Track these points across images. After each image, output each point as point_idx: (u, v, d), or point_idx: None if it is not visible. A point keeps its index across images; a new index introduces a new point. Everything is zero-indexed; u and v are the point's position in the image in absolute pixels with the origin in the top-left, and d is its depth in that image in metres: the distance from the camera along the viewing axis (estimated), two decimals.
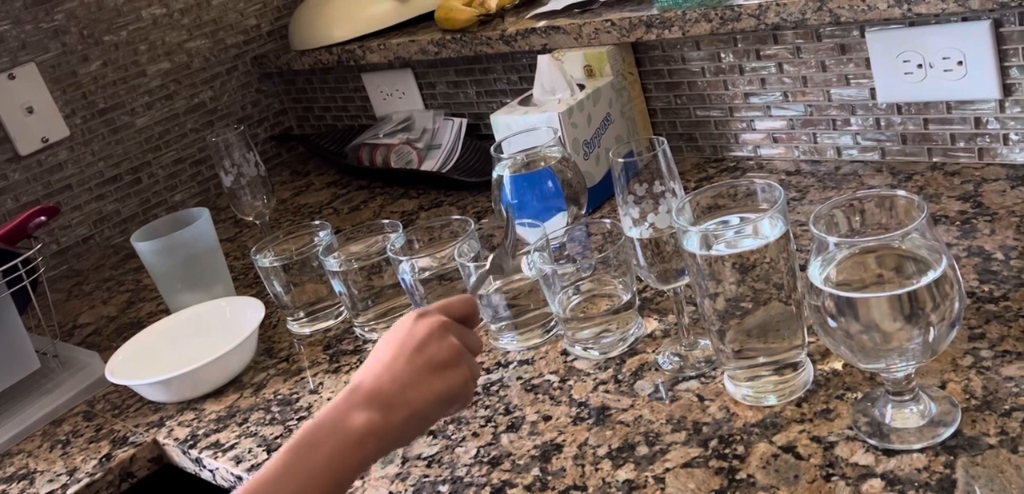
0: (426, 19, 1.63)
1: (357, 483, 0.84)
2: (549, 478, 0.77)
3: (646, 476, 0.74)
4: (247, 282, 1.36)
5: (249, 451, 0.95)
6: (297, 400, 1.01)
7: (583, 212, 1.08)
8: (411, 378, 0.71)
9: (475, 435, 0.86)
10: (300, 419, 0.98)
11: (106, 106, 1.71)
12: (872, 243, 0.67)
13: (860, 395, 0.75)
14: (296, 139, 1.93)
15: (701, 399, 0.81)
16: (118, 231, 1.73)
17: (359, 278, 1.08)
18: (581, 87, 1.24)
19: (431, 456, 0.85)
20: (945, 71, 1.04)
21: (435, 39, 1.49)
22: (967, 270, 0.87)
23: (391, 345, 0.73)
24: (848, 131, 1.16)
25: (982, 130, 1.05)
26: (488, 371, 0.95)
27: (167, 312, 1.27)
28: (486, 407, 0.89)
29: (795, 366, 0.77)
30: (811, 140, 1.20)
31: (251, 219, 1.42)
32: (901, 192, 0.68)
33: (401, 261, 1.03)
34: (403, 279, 1.04)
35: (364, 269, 1.08)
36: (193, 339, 1.14)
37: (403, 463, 0.85)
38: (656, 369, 0.87)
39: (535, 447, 0.81)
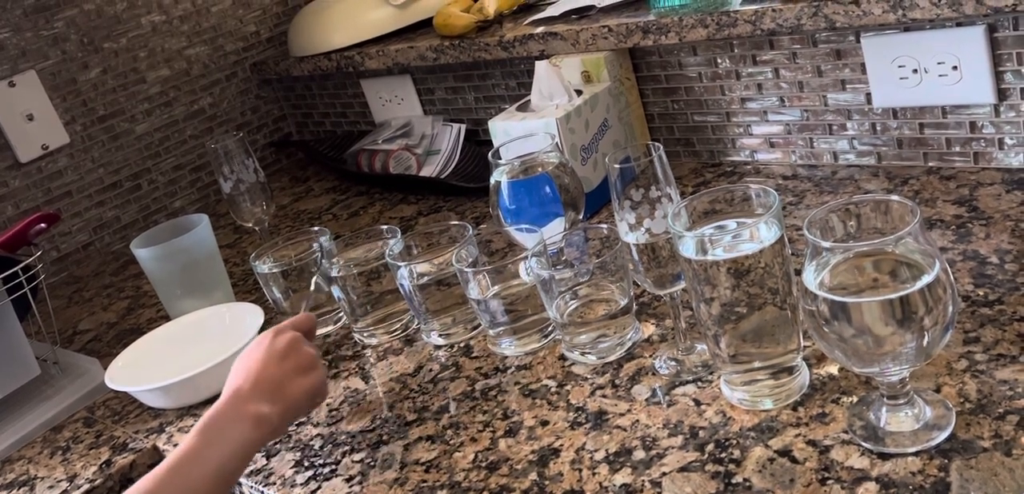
0: (425, 25, 1.64)
1: (356, 487, 0.85)
2: (547, 483, 0.78)
3: (643, 480, 0.74)
4: (247, 288, 1.37)
5: None
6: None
7: (580, 217, 1.09)
8: (282, 379, 0.84)
9: (473, 440, 0.86)
10: (299, 425, 0.98)
11: (106, 113, 1.71)
12: (866, 248, 0.67)
13: (855, 399, 0.75)
14: (295, 145, 1.94)
15: (697, 403, 0.81)
16: (118, 238, 1.73)
17: (358, 284, 1.08)
18: (579, 93, 1.25)
19: (429, 461, 0.85)
20: (940, 76, 1.04)
21: (434, 45, 1.50)
22: (962, 274, 0.88)
23: (258, 355, 0.86)
24: (844, 136, 1.16)
25: (977, 134, 1.06)
26: (486, 376, 0.96)
27: (167, 318, 1.27)
28: (484, 412, 0.90)
29: (791, 370, 0.78)
30: (807, 145, 1.20)
31: (250, 225, 1.42)
32: (895, 197, 0.69)
33: (400, 267, 1.04)
34: (401, 285, 1.05)
35: (363, 275, 1.08)
36: (193, 345, 1.15)
37: (401, 468, 0.86)
38: (653, 374, 0.87)
39: (533, 452, 0.82)
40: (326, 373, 0.91)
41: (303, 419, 0.99)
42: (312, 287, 1.10)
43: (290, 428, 0.98)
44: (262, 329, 1.13)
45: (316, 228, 1.22)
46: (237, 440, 0.80)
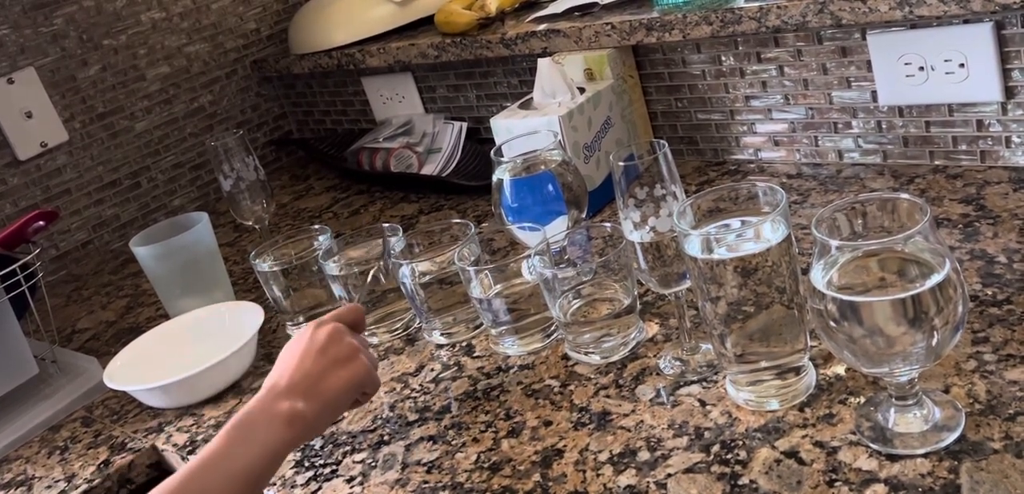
0: (426, 23, 1.63)
1: (357, 488, 0.84)
2: (550, 484, 0.77)
3: (648, 482, 0.73)
4: (246, 287, 1.36)
5: None
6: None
7: (583, 216, 1.08)
8: (321, 373, 0.81)
9: (475, 440, 0.85)
10: None
11: (105, 110, 1.70)
12: (875, 246, 0.66)
13: (863, 399, 0.74)
14: (295, 143, 1.93)
15: (703, 404, 0.80)
16: (117, 236, 1.72)
17: (359, 282, 1.07)
18: (581, 90, 1.24)
19: (431, 462, 0.84)
20: (947, 74, 1.03)
21: (435, 43, 1.49)
22: (970, 273, 0.87)
23: (297, 351, 0.82)
24: (850, 134, 1.15)
25: (984, 133, 1.05)
26: (488, 376, 0.95)
27: (166, 317, 1.26)
28: (486, 412, 0.89)
29: (797, 370, 0.77)
30: (812, 143, 1.19)
31: (250, 224, 1.42)
32: (904, 195, 0.68)
33: (401, 265, 1.03)
34: (403, 283, 1.04)
35: (364, 273, 1.07)
36: (192, 344, 1.14)
37: (403, 468, 0.85)
38: (657, 374, 0.87)
39: (536, 453, 0.81)
40: (374, 360, 0.85)
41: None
42: (369, 278, 1.04)
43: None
44: (262, 328, 1.13)
45: (317, 226, 1.21)
46: (267, 441, 0.76)
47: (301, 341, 0.83)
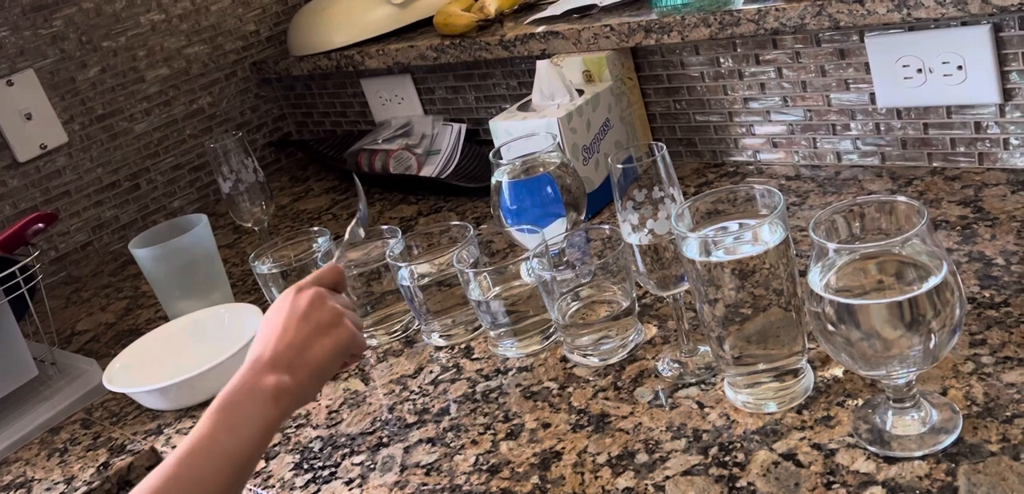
0: (425, 24, 1.63)
1: (356, 490, 0.84)
2: (548, 486, 0.77)
3: (646, 484, 0.73)
4: (246, 289, 1.36)
5: None
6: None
7: (582, 218, 1.08)
8: (305, 341, 0.79)
9: (474, 442, 0.85)
10: (298, 426, 0.97)
11: (104, 112, 1.70)
12: (872, 249, 0.66)
13: (861, 402, 0.75)
14: (295, 145, 1.93)
15: (701, 406, 0.80)
16: (116, 237, 1.72)
17: (358, 284, 1.07)
18: (580, 92, 1.24)
19: (429, 464, 0.85)
20: (945, 76, 1.03)
21: (434, 45, 1.49)
22: (968, 275, 0.87)
23: (278, 319, 0.80)
24: (848, 136, 1.16)
25: (982, 135, 1.05)
26: (487, 378, 0.95)
27: (165, 319, 1.26)
28: (485, 414, 0.89)
29: (795, 373, 0.77)
30: (811, 145, 1.20)
31: (250, 225, 1.42)
32: (901, 198, 0.68)
33: (400, 267, 1.03)
34: (402, 285, 1.04)
35: (363, 275, 1.07)
36: (192, 346, 1.14)
37: (401, 471, 0.85)
38: (656, 376, 0.87)
39: (534, 455, 0.81)
40: (358, 322, 0.83)
41: (303, 421, 0.98)
42: (346, 236, 1.00)
43: (289, 430, 0.97)
44: None
45: (316, 228, 1.21)
46: (256, 421, 0.73)
47: (282, 308, 0.81)
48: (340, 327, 0.81)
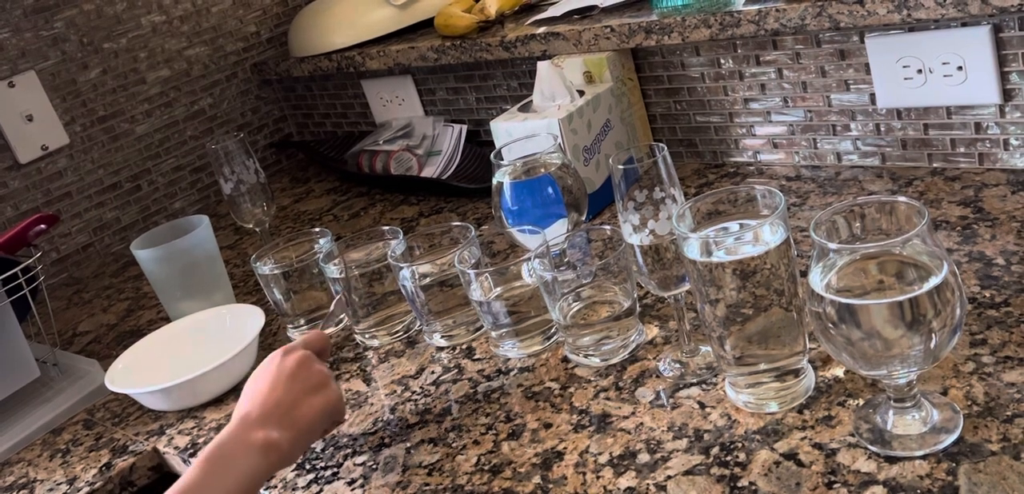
0: (426, 26, 1.63)
1: (359, 491, 0.84)
2: (550, 486, 0.77)
3: (647, 484, 0.74)
4: (247, 290, 1.36)
5: None
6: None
7: (583, 218, 1.08)
8: (293, 401, 0.81)
9: (476, 443, 0.86)
10: None
11: (106, 114, 1.71)
12: (873, 249, 0.67)
13: (862, 402, 0.75)
14: (296, 146, 1.93)
15: (702, 406, 0.81)
16: (118, 239, 1.73)
17: (360, 285, 1.08)
18: (581, 93, 1.24)
19: (432, 464, 0.85)
20: (945, 76, 1.04)
21: (435, 46, 1.49)
22: (968, 275, 0.87)
23: (266, 379, 0.82)
24: (848, 136, 1.16)
25: (982, 135, 1.05)
26: (489, 379, 0.95)
27: (167, 320, 1.26)
28: (486, 414, 0.89)
29: (796, 373, 0.77)
30: (811, 145, 1.20)
31: (251, 226, 1.42)
32: (902, 198, 0.68)
33: (402, 268, 1.03)
34: (404, 286, 1.04)
35: (364, 276, 1.08)
36: (193, 347, 1.14)
37: (404, 471, 0.85)
38: (657, 376, 0.87)
39: (536, 455, 0.81)
40: (340, 390, 0.86)
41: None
42: (331, 306, 1.05)
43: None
44: (263, 331, 1.13)
45: (317, 229, 1.21)
46: (244, 470, 0.75)
47: (269, 369, 0.83)
48: (328, 389, 0.83)
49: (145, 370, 1.12)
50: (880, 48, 1.07)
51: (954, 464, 0.66)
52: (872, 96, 1.11)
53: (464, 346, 1.03)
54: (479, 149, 1.56)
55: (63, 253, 1.67)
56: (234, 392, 1.08)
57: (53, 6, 1.63)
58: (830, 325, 0.66)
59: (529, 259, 0.95)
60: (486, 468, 0.82)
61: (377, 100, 1.74)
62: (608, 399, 0.86)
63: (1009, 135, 1.03)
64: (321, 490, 0.86)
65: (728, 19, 1.13)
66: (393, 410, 0.95)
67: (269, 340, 1.18)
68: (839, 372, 0.79)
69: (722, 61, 1.22)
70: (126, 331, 1.36)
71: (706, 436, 0.77)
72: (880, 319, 0.64)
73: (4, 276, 1.11)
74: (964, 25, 1.01)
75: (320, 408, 0.82)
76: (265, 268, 1.16)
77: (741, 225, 0.77)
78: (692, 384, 0.84)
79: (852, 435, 0.72)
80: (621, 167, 0.81)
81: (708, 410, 0.80)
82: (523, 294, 0.97)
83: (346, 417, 0.86)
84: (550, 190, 1.06)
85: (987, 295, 0.83)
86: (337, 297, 1.06)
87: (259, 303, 1.22)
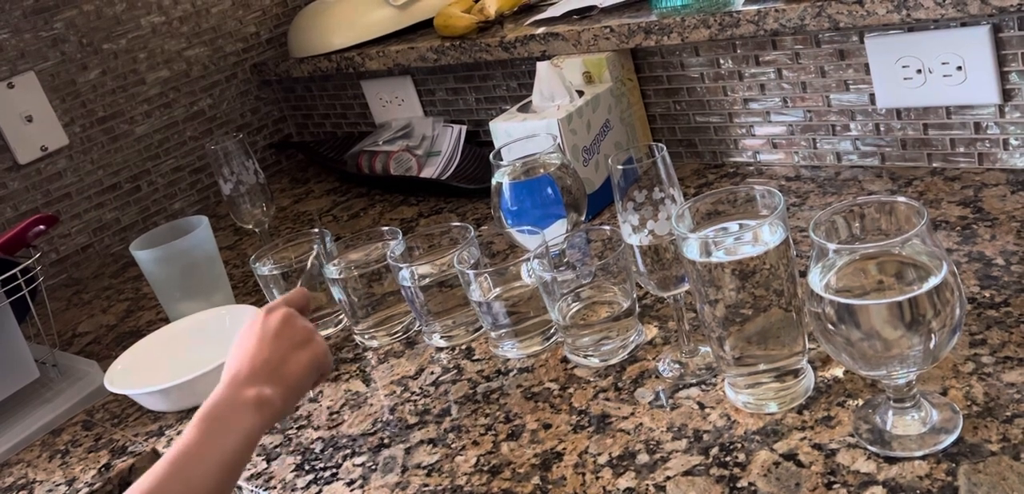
0: (425, 26, 1.63)
1: (358, 491, 0.84)
2: (549, 487, 0.77)
3: (647, 484, 0.74)
4: (247, 290, 1.36)
5: None
6: (296, 409, 1.01)
7: (582, 219, 1.08)
8: (280, 357, 0.81)
9: (475, 443, 0.86)
10: (299, 428, 0.97)
11: (105, 114, 1.71)
12: (872, 250, 0.67)
13: (861, 402, 0.75)
14: (295, 146, 1.93)
15: (702, 406, 0.81)
16: (117, 240, 1.73)
17: (359, 285, 1.08)
18: (580, 94, 1.24)
19: (431, 465, 0.85)
20: (944, 76, 1.03)
21: (434, 46, 1.49)
22: (968, 275, 0.87)
23: (252, 338, 0.82)
24: (848, 136, 1.16)
25: (982, 135, 1.05)
26: (488, 379, 0.95)
27: (166, 321, 1.26)
28: (486, 415, 0.89)
29: (796, 373, 0.77)
30: (811, 145, 1.20)
31: (250, 227, 1.42)
32: (901, 198, 0.68)
33: (401, 268, 1.03)
34: (403, 286, 1.04)
35: (364, 276, 1.07)
36: (193, 348, 1.14)
37: (403, 471, 0.85)
38: (656, 376, 0.87)
39: (535, 455, 0.81)
40: (325, 344, 0.86)
41: (304, 422, 0.98)
42: (308, 265, 1.05)
43: (291, 431, 0.97)
44: None
45: (316, 229, 1.21)
46: (239, 428, 0.75)
47: (254, 329, 0.83)
48: (313, 342, 0.84)
49: (144, 371, 1.12)
50: (880, 48, 1.07)
51: (954, 464, 0.66)
52: (872, 96, 1.11)
53: (463, 346, 1.03)
54: (478, 149, 1.56)
55: (62, 254, 1.67)
56: None
57: (53, 7, 1.63)
58: (829, 325, 0.66)
59: (528, 259, 0.95)
60: (485, 469, 0.82)
61: (377, 101, 1.74)
62: (607, 400, 0.86)
63: (1008, 135, 1.03)
64: (320, 491, 0.86)
65: (727, 19, 1.13)
66: (392, 411, 0.95)
67: None
68: (838, 372, 0.79)
69: (721, 61, 1.22)
70: (125, 332, 1.36)
71: (705, 437, 0.77)
72: (879, 319, 0.64)
73: (3, 277, 1.11)
74: (963, 25, 1.01)
75: (307, 362, 0.82)
76: (264, 269, 1.16)
77: (740, 225, 0.77)
78: (691, 384, 0.84)
79: (852, 435, 0.72)
80: (620, 167, 0.81)
81: (707, 411, 0.80)
82: (522, 294, 0.97)
83: (332, 368, 0.86)
84: (549, 190, 1.06)
85: (987, 295, 0.83)
86: (313, 254, 1.06)
87: (258, 304, 1.21)
